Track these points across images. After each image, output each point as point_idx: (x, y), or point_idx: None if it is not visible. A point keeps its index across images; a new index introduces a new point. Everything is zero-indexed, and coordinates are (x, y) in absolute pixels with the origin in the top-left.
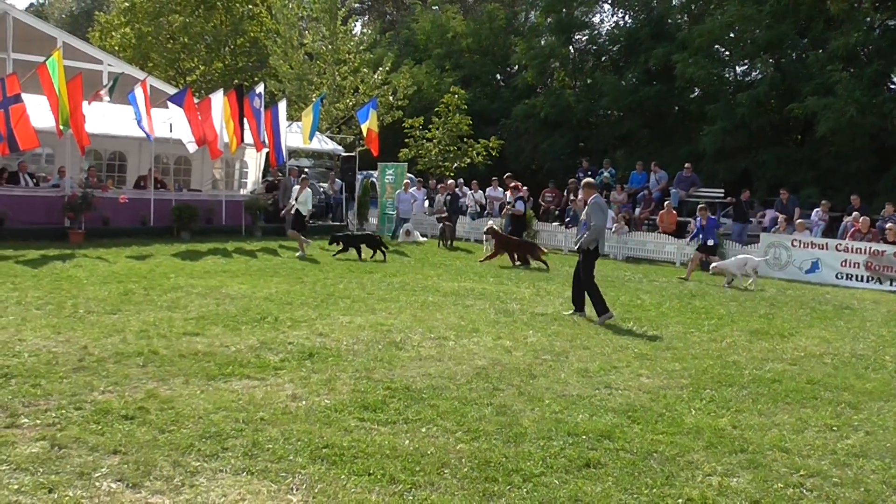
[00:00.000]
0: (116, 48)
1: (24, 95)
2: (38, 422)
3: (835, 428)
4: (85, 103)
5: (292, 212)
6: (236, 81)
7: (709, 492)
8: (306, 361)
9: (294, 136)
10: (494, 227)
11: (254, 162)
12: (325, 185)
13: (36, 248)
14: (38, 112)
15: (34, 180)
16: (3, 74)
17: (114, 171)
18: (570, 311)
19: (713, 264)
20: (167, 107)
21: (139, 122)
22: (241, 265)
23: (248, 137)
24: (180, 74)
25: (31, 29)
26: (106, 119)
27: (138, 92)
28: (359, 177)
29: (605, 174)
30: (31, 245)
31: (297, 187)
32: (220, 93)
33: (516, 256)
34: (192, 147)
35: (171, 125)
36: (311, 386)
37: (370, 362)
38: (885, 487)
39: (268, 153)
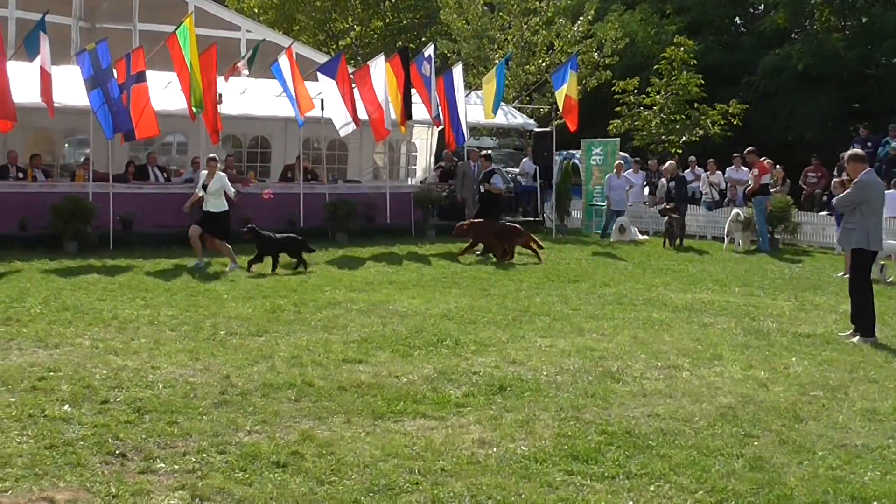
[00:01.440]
0: (256, 10)
1: (150, 73)
2: (176, 467)
3: None
4: (220, 79)
5: (206, 207)
6: (400, 43)
7: None
8: (496, 396)
9: (473, 109)
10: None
11: (424, 144)
12: (515, 169)
13: (168, 257)
14: (167, 93)
15: (164, 174)
16: (129, 48)
17: (255, 160)
18: (848, 332)
19: None
20: (317, 79)
21: (290, 98)
22: (412, 274)
23: (417, 113)
24: (331, 38)
25: None
26: (246, 97)
27: (283, 62)
28: (557, 158)
29: (893, 144)
30: (163, 252)
31: (203, 172)
32: (381, 59)
33: (496, 247)
34: (347, 129)
35: (321, 102)
36: (504, 428)
37: (578, 398)
38: None
39: (442, 132)
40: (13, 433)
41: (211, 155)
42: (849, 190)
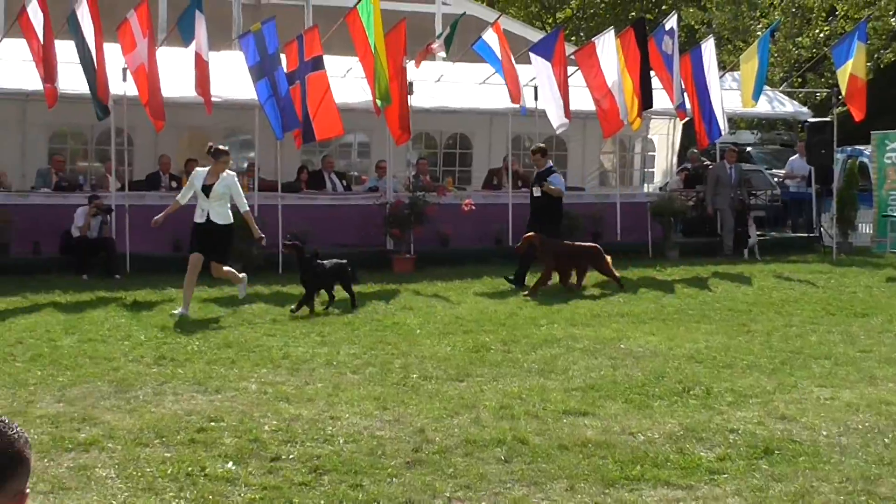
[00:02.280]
0: None
1: (327, 58)
2: None
3: None
4: (410, 64)
5: (205, 218)
6: (634, 14)
7: None
8: (760, 461)
9: (727, 95)
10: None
11: (664, 140)
12: (780, 171)
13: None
14: (346, 82)
15: (343, 182)
16: (301, 28)
17: (453, 163)
18: None
19: None
20: (528, 61)
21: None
22: (649, 304)
23: (656, 101)
24: (547, 10)
25: None
26: (442, 86)
27: (490, 39)
28: (838, 157)
29: None
30: None
31: (201, 170)
32: (611, 34)
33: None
34: (563, 125)
35: (535, 90)
36: (771, 502)
37: (871, 466)
38: None
39: (688, 125)
40: (168, 495)
41: (220, 146)
42: None
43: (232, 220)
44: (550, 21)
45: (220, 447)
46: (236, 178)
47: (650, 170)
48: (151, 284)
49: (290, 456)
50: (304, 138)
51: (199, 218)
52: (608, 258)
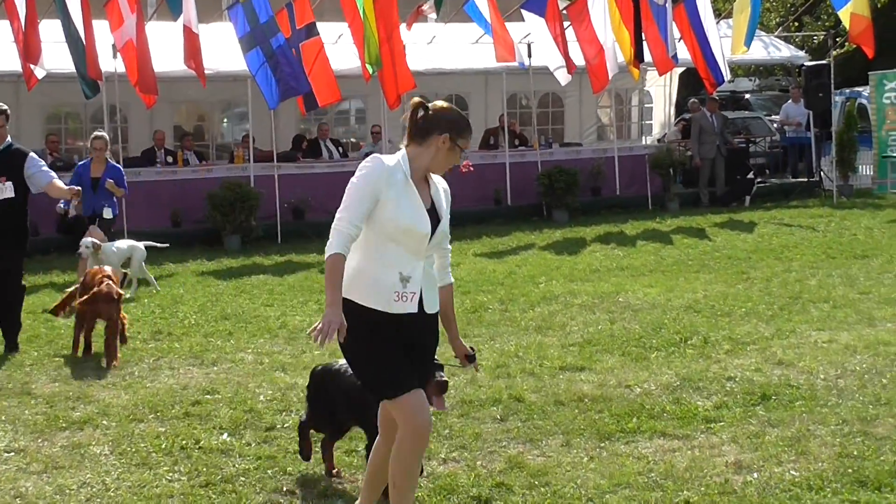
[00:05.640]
0: None
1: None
2: None
3: None
4: (402, 27)
5: (85, 212)
6: None
7: None
8: (757, 408)
9: (725, 43)
10: None
11: (661, 91)
12: (776, 118)
13: None
14: (339, 48)
15: (340, 149)
16: None
17: None
18: None
19: None
20: (521, 19)
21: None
22: (649, 257)
23: (649, 53)
24: None
25: None
26: (434, 48)
27: (479, 1)
28: (836, 99)
29: None
30: None
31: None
32: None
33: None
34: (562, 76)
35: (528, 46)
36: (767, 448)
37: (868, 408)
38: None
39: (686, 74)
40: (163, 469)
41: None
42: None
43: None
44: None
45: (214, 419)
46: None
47: (648, 122)
48: (148, 260)
49: (286, 425)
50: (307, 106)
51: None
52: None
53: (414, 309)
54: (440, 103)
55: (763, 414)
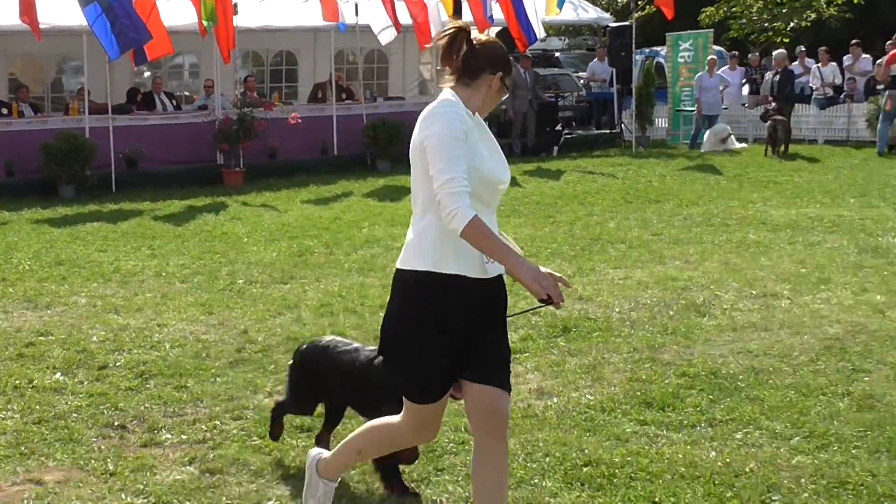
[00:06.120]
0: None
1: None
2: (185, 437)
3: None
4: None
5: None
6: None
7: None
8: (559, 339)
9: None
10: None
11: None
12: (584, 74)
13: (179, 198)
14: (173, 5)
15: (173, 102)
16: None
17: (280, 79)
18: None
19: None
20: None
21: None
22: None
23: (469, 13)
24: None
25: None
26: (266, 6)
27: None
28: (637, 58)
29: None
30: (173, 193)
31: None
32: None
33: None
34: (387, 35)
35: (356, 6)
36: (566, 375)
37: (656, 336)
38: None
39: (500, 33)
40: None
41: None
42: None
43: None
44: None
45: (48, 360)
46: None
47: None
48: None
49: (118, 364)
50: (136, 60)
51: None
52: None
53: (502, 269)
54: (483, 36)
55: (564, 345)
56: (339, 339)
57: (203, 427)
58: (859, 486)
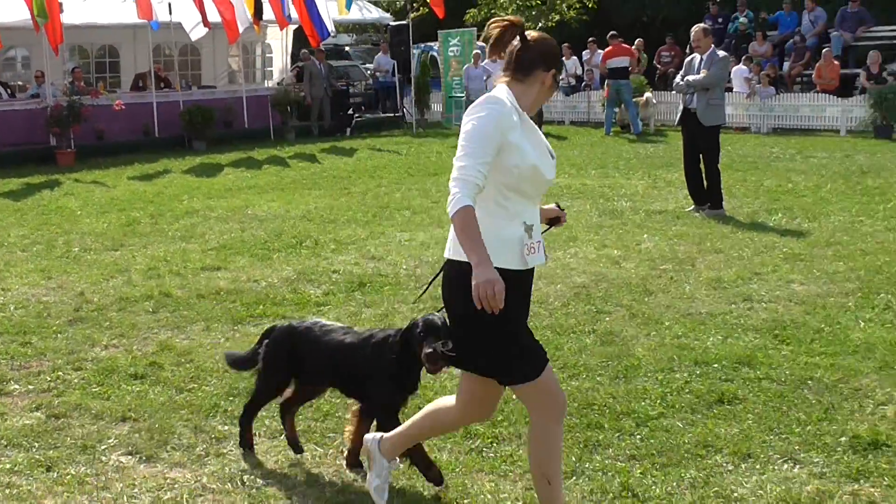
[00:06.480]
0: None
1: None
2: (31, 388)
3: None
4: None
5: None
6: None
7: (882, 425)
8: (356, 293)
9: (330, 5)
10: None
11: (279, 44)
12: (371, 66)
13: (17, 176)
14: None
15: (8, 91)
16: None
17: (104, 70)
18: (693, 207)
19: None
20: None
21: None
22: (272, 178)
23: (270, 13)
24: None
25: None
26: (90, 5)
27: None
28: (414, 52)
29: (741, 20)
30: (11, 172)
31: None
32: None
33: None
34: (197, 32)
35: (169, 4)
36: (363, 323)
37: (437, 289)
38: None
39: (297, 31)
40: None
41: None
42: (714, 68)
43: None
44: None
45: None
46: None
47: (269, 69)
48: None
49: None
50: None
51: None
52: None
53: (542, 259)
54: (534, 33)
55: (360, 297)
56: (321, 321)
57: (47, 378)
58: (603, 407)
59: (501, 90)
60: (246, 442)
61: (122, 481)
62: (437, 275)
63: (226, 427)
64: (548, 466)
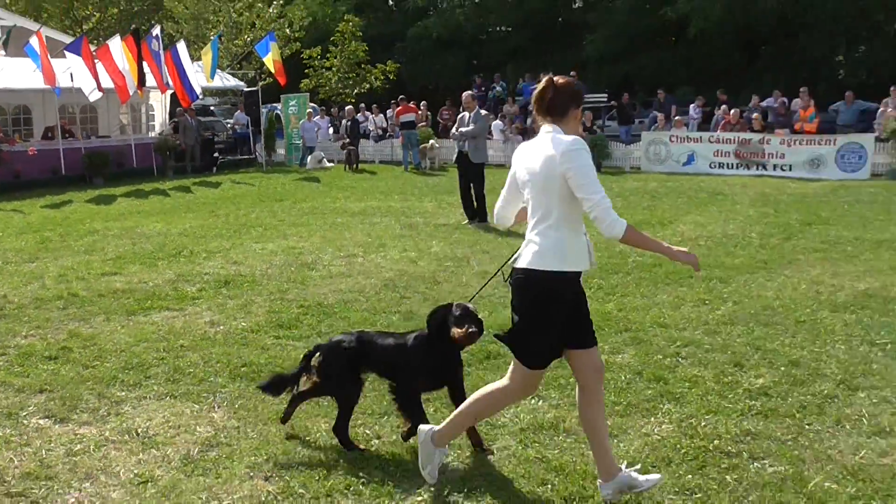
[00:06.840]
0: (7, 2)
1: None
2: None
3: (707, 302)
4: None
5: None
6: (133, 26)
7: None
8: (222, 289)
9: (197, 75)
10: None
11: (159, 105)
12: (231, 121)
13: None
14: None
15: None
16: None
17: (19, 124)
18: (466, 222)
19: None
20: (65, 56)
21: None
22: (155, 205)
23: (152, 80)
24: (76, 23)
25: None
26: (4, 73)
27: (34, 42)
28: (263, 110)
29: (497, 88)
30: None
31: None
32: (118, 38)
33: None
34: (94, 95)
35: (71, 74)
36: (228, 311)
37: (284, 284)
38: (749, 349)
39: (173, 94)
40: None
41: None
42: (478, 123)
43: None
44: (79, 30)
45: None
46: None
47: (152, 123)
48: None
49: None
50: None
51: None
52: None
53: (594, 256)
54: (560, 78)
55: (226, 292)
56: (366, 331)
57: None
58: None
59: (553, 131)
60: (354, 447)
61: (40, 439)
62: (492, 277)
63: (123, 392)
64: (483, 414)
